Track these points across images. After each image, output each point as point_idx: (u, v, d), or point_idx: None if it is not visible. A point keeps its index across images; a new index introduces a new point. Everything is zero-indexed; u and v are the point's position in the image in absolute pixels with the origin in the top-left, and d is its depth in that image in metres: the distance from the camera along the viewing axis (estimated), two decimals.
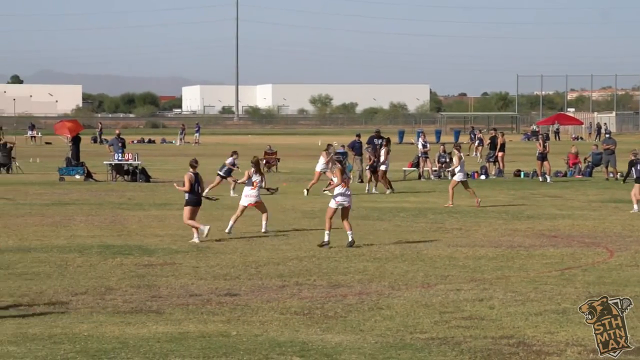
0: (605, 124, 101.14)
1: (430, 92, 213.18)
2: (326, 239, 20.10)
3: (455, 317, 13.30)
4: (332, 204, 20.35)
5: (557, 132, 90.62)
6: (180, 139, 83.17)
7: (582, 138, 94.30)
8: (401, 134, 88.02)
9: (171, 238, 21.49)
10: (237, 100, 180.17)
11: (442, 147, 42.42)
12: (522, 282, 15.93)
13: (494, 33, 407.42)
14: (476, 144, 57.65)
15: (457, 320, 13.10)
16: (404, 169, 42.11)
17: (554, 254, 19.10)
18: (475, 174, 41.77)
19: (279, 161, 46.77)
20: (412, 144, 55.79)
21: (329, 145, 34.87)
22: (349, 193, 20.52)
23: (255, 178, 22.24)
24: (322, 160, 32.77)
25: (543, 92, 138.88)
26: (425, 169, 41.07)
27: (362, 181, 35.94)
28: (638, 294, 14.68)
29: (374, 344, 11.80)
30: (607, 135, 46.00)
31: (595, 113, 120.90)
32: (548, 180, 38.54)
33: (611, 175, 40.48)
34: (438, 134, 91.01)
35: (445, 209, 27.87)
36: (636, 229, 23.08)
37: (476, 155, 55.65)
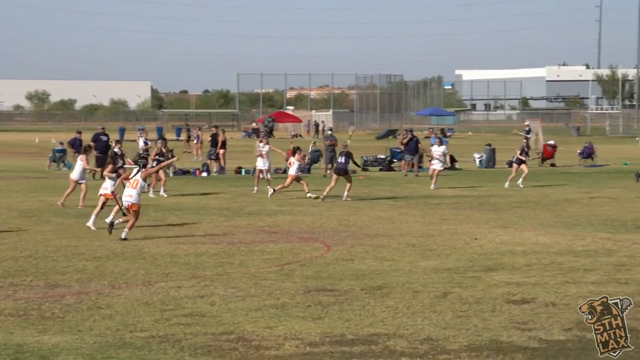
0: (322, 121, 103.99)
1: (152, 89, 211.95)
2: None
3: (176, 314, 13.25)
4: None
5: (271, 130, 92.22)
6: None
7: (301, 135, 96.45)
8: (122, 131, 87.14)
9: None
10: None
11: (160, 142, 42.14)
12: (242, 278, 16.08)
13: (215, 31, 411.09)
14: (195, 142, 57.63)
15: (177, 317, 13.06)
16: (125, 166, 41.57)
17: (273, 250, 19.41)
18: (197, 171, 41.87)
19: None
20: (134, 141, 55.27)
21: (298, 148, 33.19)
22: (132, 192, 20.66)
23: None
24: (296, 164, 31.11)
25: (263, 90, 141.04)
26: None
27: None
28: (353, 287, 15.16)
29: (93, 344, 11.57)
30: (329, 132, 47.29)
31: (314, 111, 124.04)
32: (268, 176, 39.09)
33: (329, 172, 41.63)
34: (160, 130, 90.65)
35: (167, 205, 27.80)
36: (352, 224, 23.83)
37: (193, 152, 55.51)
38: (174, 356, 11.13)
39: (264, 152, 34.49)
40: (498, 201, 29.93)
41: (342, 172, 30.39)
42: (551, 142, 52.56)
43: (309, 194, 30.52)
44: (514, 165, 35.81)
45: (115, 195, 22.41)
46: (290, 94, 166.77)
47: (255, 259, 18.26)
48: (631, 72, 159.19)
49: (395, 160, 47.22)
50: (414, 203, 29.42)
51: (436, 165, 35.22)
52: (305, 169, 44.16)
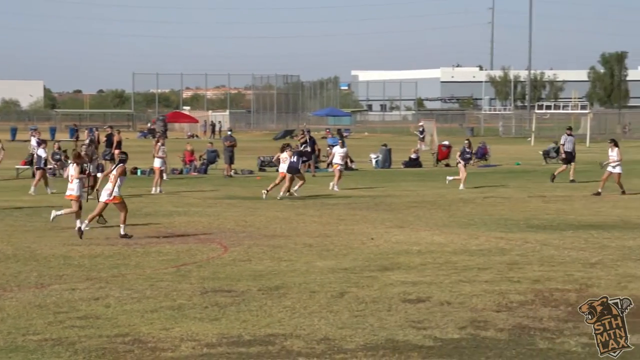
0: (219, 121, 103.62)
1: (44, 88, 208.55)
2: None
3: (70, 317, 13.05)
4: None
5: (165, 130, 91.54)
6: None
7: (197, 136, 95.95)
8: (14, 131, 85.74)
9: None
10: None
11: (56, 144, 41.60)
12: (138, 280, 15.91)
13: (110, 30, 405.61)
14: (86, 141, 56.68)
15: (72, 320, 12.86)
16: (16, 167, 40.91)
17: (170, 251, 19.26)
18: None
19: None
20: (27, 141, 54.36)
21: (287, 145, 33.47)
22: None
23: None
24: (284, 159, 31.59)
25: (159, 90, 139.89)
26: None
27: None
28: (251, 288, 15.13)
29: None
30: (229, 133, 47.11)
31: (210, 111, 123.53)
32: (165, 177, 38.81)
33: (233, 172, 41.49)
34: (53, 131, 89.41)
35: (62, 207, 27.34)
36: (249, 224, 23.78)
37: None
38: (67, 359, 10.96)
39: (160, 153, 34.32)
40: (394, 201, 30.19)
41: (294, 171, 31.12)
42: (446, 142, 53.20)
43: (294, 191, 31.18)
44: (460, 166, 35.54)
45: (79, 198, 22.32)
46: (186, 94, 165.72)
47: (151, 260, 18.09)
48: (523, 74, 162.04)
49: None
50: (311, 203, 29.49)
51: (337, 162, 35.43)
52: (202, 169, 44.01)
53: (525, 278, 16.10)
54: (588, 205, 28.61)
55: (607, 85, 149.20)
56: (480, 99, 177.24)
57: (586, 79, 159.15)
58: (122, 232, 21.10)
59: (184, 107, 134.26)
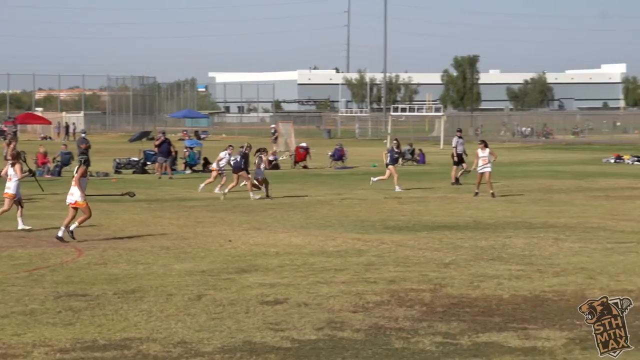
0: (74, 123, 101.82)
1: None
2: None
3: None
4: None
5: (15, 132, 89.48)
6: None
7: (50, 138, 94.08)
8: None
9: None
10: None
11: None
12: None
13: None
14: None
15: None
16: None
17: (22, 255, 18.81)
18: None
19: None
20: None
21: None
22: None
23: None
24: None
25: (10, 91, 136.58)
26: None
27: None
28: (106, 292, 14.90)
29: None
30: (83, 135, 46.25)
31: (64, 113, 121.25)
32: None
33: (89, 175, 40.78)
34: None
35: None
36: (105, 227, 23.41)
37: None
38: None
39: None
40: (252, 203, 30.18)
41: (237, 170, 32.34)
42: (303, 144, 53.48)
43: (251, 194, 31.70)
44: (390, 167, 35.41)
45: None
46: (39, 95, 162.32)
47: (2, 265, 17.63)
48: (379, 76, 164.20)
49: (149, 163, 46.80)
50: (168, 205, 29.24)
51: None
52: (55, 172, 43.14)
53: (382, 279, 16.28)
54: (442, 206, 29.14)
55: (460, 88, 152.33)
56: (337, 101, 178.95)
57: (440, 82, 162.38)
58: (71, 228, 20.87)
59: (37, 109, 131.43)
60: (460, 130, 40.59)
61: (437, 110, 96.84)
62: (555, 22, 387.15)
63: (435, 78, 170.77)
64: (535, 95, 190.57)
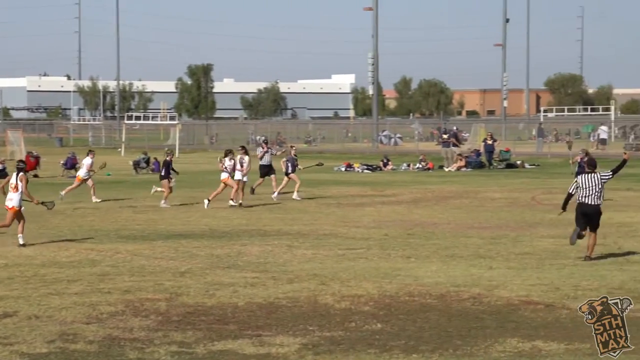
0: None
1: None
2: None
3: None
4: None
5: None
6: None
7: None
8: None
9: None
10: None
11: None
12: None
13: None
14: None
15: None
16: None
17: None
18: None
19: None
20: None
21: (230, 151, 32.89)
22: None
23: None
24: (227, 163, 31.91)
25: None
26: None
27: None
28: None
29: None
30: None
31: None
32: None
33: None
34: None
35: None
36: None
37: None
38: None
39: None
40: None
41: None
42: (34, 152, 52.03)
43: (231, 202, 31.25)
44: (288, 176, 34.51)
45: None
46: None
47: None
48: (112, 84, 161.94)
49: None
50: None
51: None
52: None
53: (116, 289, 16.05)
54: (177, 215, 29.05)
55: (195, 97, 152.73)
56: (69, 108, 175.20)
57: (175, 90, 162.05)
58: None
59: None
60: (266, 142, 38.58)
61: (172, 118, 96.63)
62: (288, 33, 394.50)
63: (170, 86, 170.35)
64: (269, 104, 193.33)
